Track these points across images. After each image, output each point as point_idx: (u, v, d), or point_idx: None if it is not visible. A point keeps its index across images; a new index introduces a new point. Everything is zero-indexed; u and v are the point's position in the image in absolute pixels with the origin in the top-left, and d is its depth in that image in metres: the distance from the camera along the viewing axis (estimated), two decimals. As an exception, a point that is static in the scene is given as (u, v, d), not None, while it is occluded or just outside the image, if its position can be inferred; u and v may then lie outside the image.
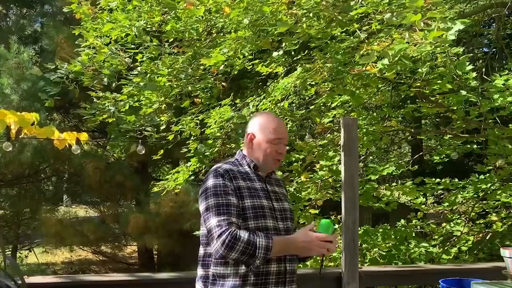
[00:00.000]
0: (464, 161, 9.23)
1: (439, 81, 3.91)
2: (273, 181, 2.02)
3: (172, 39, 3.70)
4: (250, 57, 3.92)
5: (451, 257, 4.59)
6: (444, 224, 5.25)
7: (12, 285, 1.92)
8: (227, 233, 1.69)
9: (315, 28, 3.28)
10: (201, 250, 1.88)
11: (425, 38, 2.22)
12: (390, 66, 2.46)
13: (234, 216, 1.75)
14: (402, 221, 5.15)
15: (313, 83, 4.03)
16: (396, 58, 2.39)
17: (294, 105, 5.19)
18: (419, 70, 3.82)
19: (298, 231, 1.84)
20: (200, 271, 1.88)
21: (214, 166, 1.90)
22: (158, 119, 4.08)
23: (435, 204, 6.19)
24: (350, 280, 2.69)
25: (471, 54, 4.86)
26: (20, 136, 2.36)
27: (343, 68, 3.57)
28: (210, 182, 1.83)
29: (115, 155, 9.45)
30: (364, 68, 2.61)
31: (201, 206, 1.82)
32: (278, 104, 4.42)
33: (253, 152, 1.95)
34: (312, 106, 4.80)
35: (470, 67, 3.64)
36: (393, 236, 4.69)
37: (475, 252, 4.88)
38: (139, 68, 3.76)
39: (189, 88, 3.86)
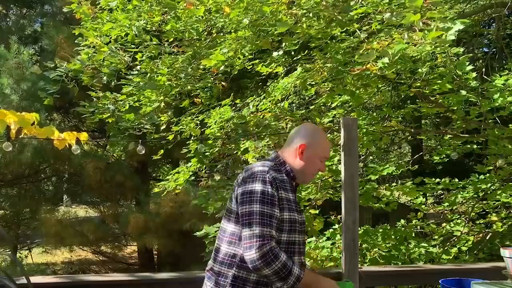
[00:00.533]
0: (464, 161, 9.23)
1: (439, 81, 3.91)
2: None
3: (172, 39, 3.70)
4: (250, 57, 3.92)
5: (451, 257, 4.58)
6: (444, 224, 5.25)
7: (12, 285, 1.92)
8: (268, 247, 1.69)
9: (315, 28, 3.28)
10: (225, 248, 1.84)
11: (425, 38, 2.22)
12: (390, 65, 2.46)
13: (275, 229, 1.75)
14: (402, 221, 5.15)
15: (313, 83, 4.03)
16: (396, 58, 2.39)
17: (294, 105, 5.19)
18: (419, 70, 3.81)
19: (326, 278, 1.92)
20: (218, 268, 1.83)
21: (260, 168, 1.85)
22: (158, 119, 4.08)
23: (435, 204, 6.19)
24: (350, 280, 2.69)
25: (471, 54, 4.86)
26: (20, 136, 2.36)
27: (343, 68, 3.57)
28: (259, 186, 1.77)
29: (115, 155, 9.45)
30: (364, 67, 2.61)
31: (243, 208, 1.77)
32: (278, 104, 4.42)
33: (298, 163, 1.93)
34: (312, 106, 4.80)
35: (470, 67, 3.64)
36: (393, 236, 4.69)
37: (475, 252, 4.87)
38: (138, 67, 3.76)
39: (189, 87, 3.86)
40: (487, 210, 5.16)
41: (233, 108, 4.48)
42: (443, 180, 4.90)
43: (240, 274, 1.78)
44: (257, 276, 1.76)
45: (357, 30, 2.99)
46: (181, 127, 4.13)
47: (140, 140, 3.22)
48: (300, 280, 1.75)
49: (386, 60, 2.35)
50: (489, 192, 4.76)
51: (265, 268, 1.69)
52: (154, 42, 3.66)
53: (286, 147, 1.99)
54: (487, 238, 5.09)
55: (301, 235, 1.91)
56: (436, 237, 5.09)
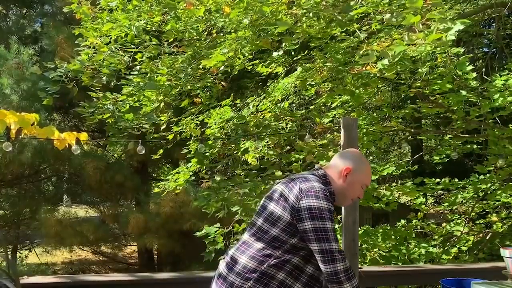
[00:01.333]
0: (464, 161, 9.23)
1: (439, 81, 3.91)
2: None
3: (172, 39, 3.70)
4: (250, 57, 3.92)
5: (451, 257, 4.58)
6: (444, 224, 5.25)
7: (12, 285, 1.92)
8: (347, 263, 1.79)
9: (315, 28, 3.28)
10: (260, 245, 1.84)
11: (425, 40, 2.21)
12: (390, 66, 2.45)
13: None
14: (402, 221, 5.15)
15: (313, 83, 4.03)
16: (397, 59, 2.39)
17: (294, 105, 5.19)
18: (419, 70, 3.81)
19: None
20: (245, 261, 1.83)
21: (319, 185, 1.87)
22: (158, 119, 4.08)
23: (435, 204, 6.19)
24: None
25: (471, 54, 4.86)
26: (20, 136, 2.36)
27: (343, 68, 3.57)
28: (325, 204, 1.81)
29: (115, 155, 9.45)
30: (364, 68, 2.61)
31: (313, 223, 1.78)
32: (278, 104, 4.42)
33: (341, 186, 1.95)
34: (312, 106, 4.80)
35: (470, 67, 3.64)
36: (393, 237, 4.69)
37: (475, 252, 4.88)
38: (138, 67, 3.76)
39: (189, 87, 3.86)
40: (487, 210, 5.16)
41: (233, 108, 4.48)
42: (443, 180, 4.90)
43: (269, 271, 1.79)
44: (284, 276, 1.80)
45: (357, 30, 2.99)
46: (181, 127, 4.13)
47: (140, 140, 3.22)
48: None
49: (386, 61, 2.35)
50: (489, 192, 4.76)
51: (347, 283, 1.77)
52: (154, 42, 3.66)
53: (331, 168, 2.01)
54: (487, 238, 5.09)
55: None
56: (436, 237, 5.09)
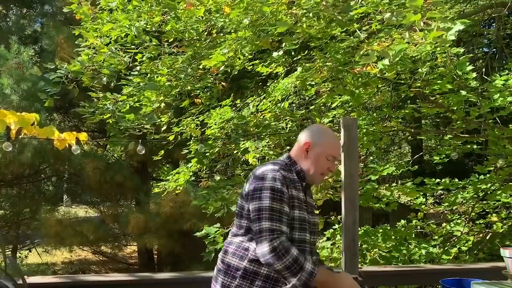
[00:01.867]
0: (464, 161, 9.23)
1: (439, 81, 3.91)
2: (309, 192, 2.02)
3: (172, 39, 3.70)
4: (250, 57, 3.92)
5: (451, 257, 4.58)
6: (444, 224, 5.25)
7: (11, 285, 1.92)
8: (279, 241, 1.71)
9: (315, 28, 3.28)
10: (237, 241, 1.86)
11: (425, 38, 2.21)
12: (391, 66, 2.45)
13: (285, 226, 1.77)
14: (402, 221, 5.15)
15: (313, 83, 4.03)
16: (397, 59, 2.39)
17: (294, 105, 5.19)
18: (419, 70, 3.81)
19: (345, 276, 1.88)
20: (229, 260, 1.85)
21: (270, 167, 1.86)
22: (158, 119, 4.08)
23: (435, 204, 6.19)
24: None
25: (471, 54, 4.86)
26: (20, 136, 2.36)
27: (343, 68, 3.57)
28: (268, 183, 1.80)
29: (115, 155, 9.44)
30: (364, 68, 2.61)
31: (253, 204, 1.79)
32: (278, 104, 4.42)
33: (305, 162, 1.93)
34: (312, 106, 4.80)
35: (470, 67, 3.64)
36: (393, 237, 4.68)
37: (475, 252, 4.87)
38: (138, 68, 3.76)
39: (189, 87, 3.86)
40: (487, 210, 5.16)
41: (233, 108, 4.48)
42: (443, 180, 4.90)
43: (252, 267, 1.79)
44: (268, 270, 1.77)
45: (357, 30, 2.99)
46: (181, 127, 4.13)
47: (140, 140, 3.22)
48: (313, 276, 1.72)
49: (386, 61, 2.34)
50: (489, 192, 4.76)
51: (277, 262, 1.70)
52: (154, 43, 3.66)
53: (295, 147, 2.00)
54: (487, 238, 5.09)
55: (313, 235, 1.91)
56: (436, 237, 5.09)
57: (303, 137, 1.97)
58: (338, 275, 1.86)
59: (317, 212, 4.39)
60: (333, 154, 1.94)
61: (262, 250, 1.72)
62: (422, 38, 2.25)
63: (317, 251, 2.11)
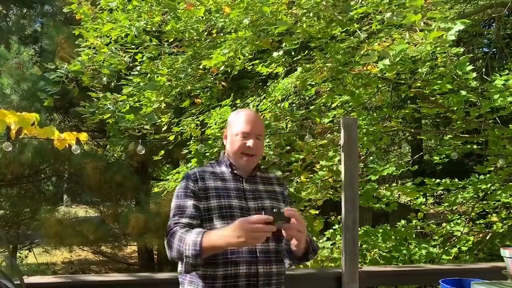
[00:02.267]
0: (464, 161, 9.23)
1: (439, 81, 3.91)
2: (258, 179, 1.95)
3: (172, 39, 3.70)
4: (250, 57, 3.92)
5: (451, 258, 4.58)
6: (444, 224, 5.25)
7: (11, 285, 1.92)
8: (169, 233, 1.72)
9: (315, 28, 3.28)
10: None
11: (425, 39, 2.21)
12: (391, 66, 2.45)
13: (187, 217, 1.75)
14: (402, 221, 5.15)
15: (313, 83, 4.03)
16: (398, 59, 2.38)
17: (294, 105, 5.19)
18: (419, 70, 3.81)
19: (237, 222, 1.62)
20: (179, 268, 1.85)
21: (196, 168, 1.92)
22: (158, 119, 4.09)
23: (435, 204, 6.19)
24: (350, 280, 2.69)
25: (471, 54, 4.86)
26: (20, 136, 2.36)
27: (343, 68, 3.57)
28: (182, 183, 1.85)
29: (115, 155, 9.45)
30: (364, 68, 2.61)
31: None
32: (278, 104, 4.42)
33: (227, 150, 1.94)
34: (312, 106, 4.80)
35: (470, 67, 3.64)
36: (393, 237, 4.68)
37: (475, 252, 4.87)
38: (138, 68, 3.76)
39: (189, 87, 3.86)
40: (487, 210, 5.16)
41: (233, 108, 4.48)
42: (443, 181, 4.90)
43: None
44: (202, 270, 1.73)
45: (357, 30, 2.99)
46: (181, 127, 4.13)
47: (140, 140, 3.22)
48: (198, 245, 1.59)
49: (387, 61, 2.34)
50: (489, 192, 4.76)
51: (171, 252, 1.69)
52: (154, 43, 3.65)
53: None
54: (487, 238, 5.09)
55: None
56: (436, 237, 5.09)
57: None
58: (227, 227, 1.62)
59: (316, 212, 4.43)
60: (237, 131, 1.87)
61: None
62: (422, 38, 2.25)
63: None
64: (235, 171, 1.90)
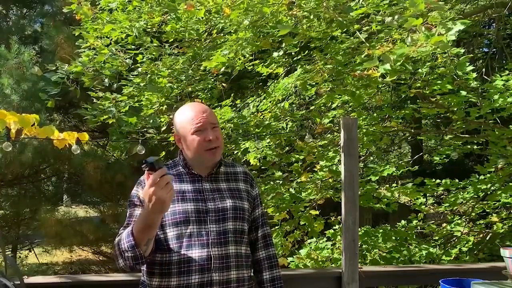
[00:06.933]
0: (464, 162, 9.23)
1: (439, 82, 3.91)
2: (221, 176, 1.85)
3: (172, 40, 3.70)
4: (250, 57, 3.92)
5: (451, 258, 4.58)
6: (444, 225, 5.25)
7: (11, 285, 1.92)
8: (116, 241, 1.65)
9: (316, 29, 3.28)
10: None
11: (427, 42, 2.21)
12: (392, 71, 2.44)
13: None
14: (403, 222, 5.15)
15: (313, 83, 4.03)
16: (398, 63, 2.38)
17: (294, 105, 5.19)
18: (419, 70, 3.82)
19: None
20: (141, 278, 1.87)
21: None
22: (159, 120, 4.09)
23: (435, 205, 6.19)
24: (350, 280, 2.69)
25: (471, 55, 4.87)
26: (20, 137, 2.36)
27: (344, 69, 3.57)
28: (133, 192, 1.82)
29: (115, 155, 9.44)
30: (365, 72, 2.61)
31: None
32: (278, 105, 4.42)
33: (186, 152, 1.82)
34: (312, 107, 4.80)
35: (471, 67, 3.64)
36: (393, 237, 4.68)
37: (475, 252, 4.87)
38: (139, 69, 3.76)
39: (189, 88, 3.86)
40: (487, 211, 5.16)
41: (234, 108, 4.48)
42: (443, 181, 4.89)
43: (145, 281, 1.81)
44: (157, 281, 1.72)
45: (357, 31, 2.99)
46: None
47: (140, 140, 3.22)
48: (130, 234, 1.56)
49: (387, 66, 2.33)
50: (489, 192, 4.76)
51: (118, 261, 1.63)
52: (155, 44, 3.66)
53: None
54: (487, 238, 5.08)
55: (213, 224, 1.72)
56: (436, 237, 5.08)
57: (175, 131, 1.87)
58: (145, 211, 1.56)
59: (316, 212, 4.43)
60: (192, 127, 1.75)
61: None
62: (423, 42, 2.24)
63: (265, 238, 1.93)
64: (193, 171, 1.81)
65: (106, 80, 3.55)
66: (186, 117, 1.79)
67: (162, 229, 1.70)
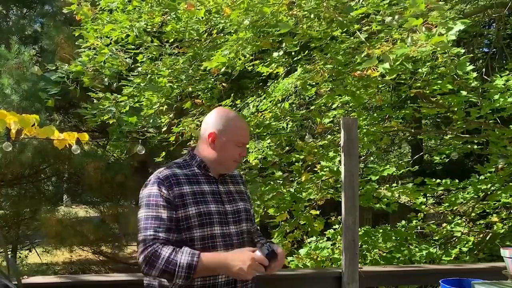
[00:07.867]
0: (464, 161, 9.23)
1: (440, 82, 3.91)
2: (228, 179, 1.90)
3: (172, 40, 3.70)
4: (250, 57, 3.92)
5: (451, 258, 4.58)
6: (444, 225, 5.25)
7: (11, 285, 1.91)
8: (149, 249, 1.63)
9: (316, 29, 3.28)
10: None
11: (427, 42, 2.21)
12: (392, 71, 2.44)
13: (163, 231, 1.66)
14: (403, 222, 5.15)
15: (314, 83, 4.03)
16: (398, 63, 2.38)
17: (294, 105, 5.19)
18: (420, 70, 3.81)
19: (239, 252, 1.66)
20: (145, 281, 1.85)
21: (157, 170, 1.79)
22: (159, 120, 4.09)
23: (435, 205, 6.19)
24: (350, 280, 2.69)
25: (472, 55, 4.87)
26: (20, 137, 2.36)
27: (344, 69, 3.57)
28: (147, 190, 1.73)
29: (115, 155, 9.44)
30: (365, 72, 2.60)
31: (139, 213, 1.75)
32: (279, 105, 4.42)
33: (211, 153, 1.82)
34: (313, 107, 4.80)
35: (471, 67, 3.64)
36: (393, 237, 4.68)
37: (475, 252, 4.87)
38: (139, 69, 3.76)
39: (190, 89, 3.86)
40: (487, 211, 5.16)
41: (234, 108, 4.48)
42: (444, 181, 4.89)
43: (147, 282, 1.81)
44: (159, 281, 1.73)
45: (357, 31, 2.99)
46: (181, 128, 4.13)
47: (140, 140, 3.22)
48: (193, 268, 1.59)
49: (387, 65, 2.33)
50: (489, 192, 4.76)
51: (151, 271, 1.63)
52: (155, 44, 3.66)
53: (199, 138, 1.89)
54: (488, 238, 5.08)
55: (232, 226, 1.77)
56: (436, 237, 5.08)
57: (206, 127, 1.84)
58: (226, 254, 1.66)
59: (316, 212, 4.43)
60: (242, 141, 1.84)
61: (139, 262, 1.66)
62: (423, 42, 2.24)
63: (259, 237, 1.98)
64: (209, 173, 1.83)
65: (106, 79, 3.55)
66: (237, 126, 1.84)
67: (188, 231, 1.70)
